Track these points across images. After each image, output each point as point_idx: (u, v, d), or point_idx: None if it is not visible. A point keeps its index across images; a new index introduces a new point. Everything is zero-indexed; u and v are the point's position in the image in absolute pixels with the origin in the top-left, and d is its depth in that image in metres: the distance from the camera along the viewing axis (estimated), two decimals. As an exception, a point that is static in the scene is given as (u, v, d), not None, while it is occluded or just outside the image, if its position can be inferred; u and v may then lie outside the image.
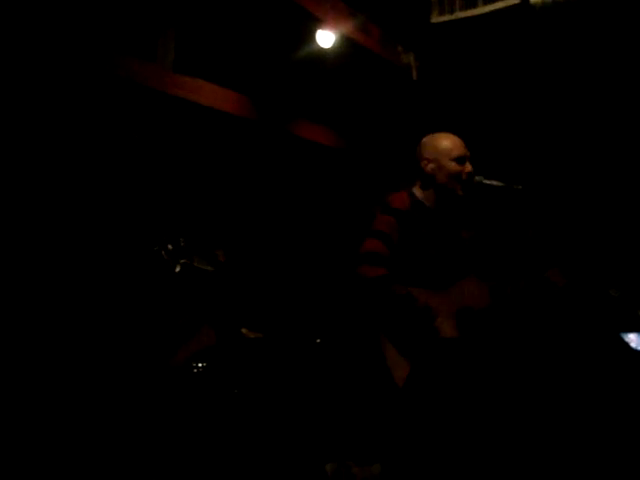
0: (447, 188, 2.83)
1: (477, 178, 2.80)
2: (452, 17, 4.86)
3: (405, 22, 5.04)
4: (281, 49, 4.67)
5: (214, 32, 4.34)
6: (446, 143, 2.83)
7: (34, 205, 3.32)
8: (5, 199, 3.21)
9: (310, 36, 4.43)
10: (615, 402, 3.35)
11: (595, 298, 3.54)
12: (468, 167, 2.82)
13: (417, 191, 2.89)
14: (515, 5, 4.57)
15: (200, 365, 3.33)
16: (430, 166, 2.83)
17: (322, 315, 4.53)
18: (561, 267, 2.79)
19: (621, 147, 4.33)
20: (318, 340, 4.13)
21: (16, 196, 3.25)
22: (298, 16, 4.26)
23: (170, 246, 3.27)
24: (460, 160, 2.81)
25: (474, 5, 4.78)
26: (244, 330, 3.72)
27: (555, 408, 3.48)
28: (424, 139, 2.92)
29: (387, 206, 2.79)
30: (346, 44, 4.59)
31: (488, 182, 2.80)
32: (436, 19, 4.90)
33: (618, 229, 4.18)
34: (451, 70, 5.19)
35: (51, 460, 2.89)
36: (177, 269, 3.29)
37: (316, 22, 4.34)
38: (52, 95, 3.42)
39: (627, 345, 3.20)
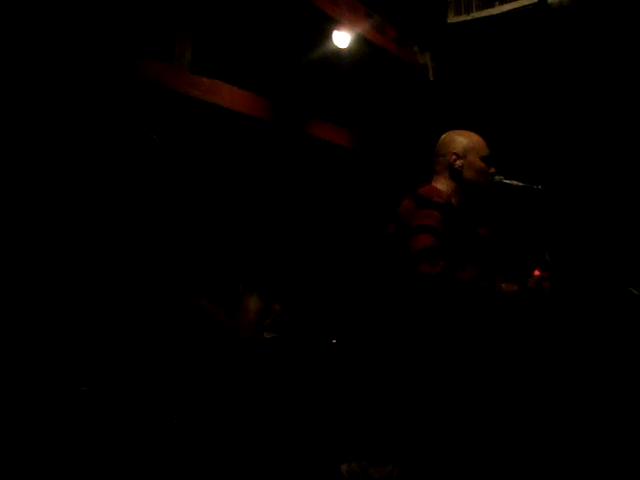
0: (473, 185, 2.77)
1: (497, 178, 2.78)
2: (468, 17, 4.84)
3: (421, 22, 5.03)
4: (297, 50, 4.67)
5: (231, 33, 4.35)
6: (476, 140, 2.80)
7: (47, 202, 3.35)
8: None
9: (326, 37, 4.43)
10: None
11: (616, 296, 3.52)
12: (493, 168, 2.79)
13: (440, 187, 2.78)
14: (532, 5, 4.55)
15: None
16: (459, 162, 2.75)
17: (338, 316, 4.54)
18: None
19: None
20: (334, 341, 4.13)
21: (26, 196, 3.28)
22: (314, 17, 4.25)
23: None
24: (487, 160, 2.78)
25: (491, 5, 4.77)
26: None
27: (579, 408, 3.47)
28: (450, 134, 2.84)
29: (428, 200, 2.62)
30: (362, 44, 4.58)
31: (508, 182, 2.78)
32: (453, 19, 4.88)
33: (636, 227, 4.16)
34: (468, 70, 5.18)
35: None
36: None
37: (332, 23, 4.33)
38: (70, 96, 3.44)
39: None
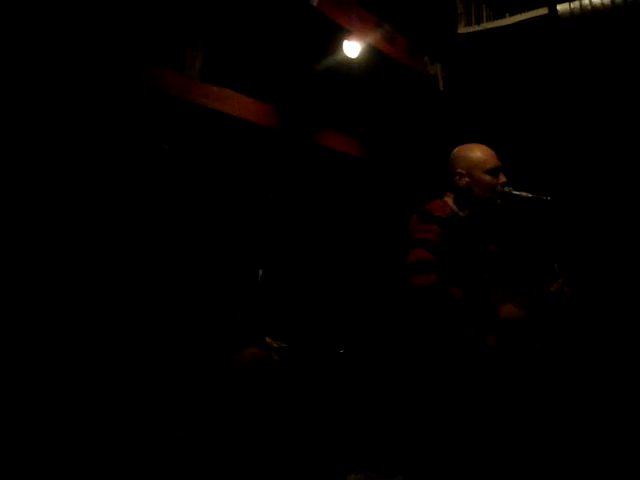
0: (483, 200, 2.77)
1: (506, 189, 2.77)
2: (479, 28, 4.85)
3: (432, 33, 5.04)
4: (308, 59, 4.68)
5: (242, 42, 4.37)
6: (479, 155, 2.78)
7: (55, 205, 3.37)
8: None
9: (337, 46, 4.44)
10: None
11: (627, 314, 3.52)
12: (502, 178, 2.77)
13: (450, 201, 2.82)
14: (543, 16, 4.55)
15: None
16: (464, 180, 2.76)
17: (346, 326, 4.52)
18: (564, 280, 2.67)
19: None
20: (342, 351, 4.12)
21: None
22: (325, 27, 4.26)
23: None
24: (494, 172, 2.76)
25: (501, 16, 4.77)
26: (268, 339, 3.72)
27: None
28: (455, 151, 2.85)
29: (430, 214, 2.68)
30: (373, 54, 4.59)
31: (517, 193, 2.76)
32: (463, 30, 4.88)
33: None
34: (478, 81, 5.18)
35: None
36: None
37: (343, 32, 4.34)
38: (81, 104, 3.46)
39: None
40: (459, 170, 2.77)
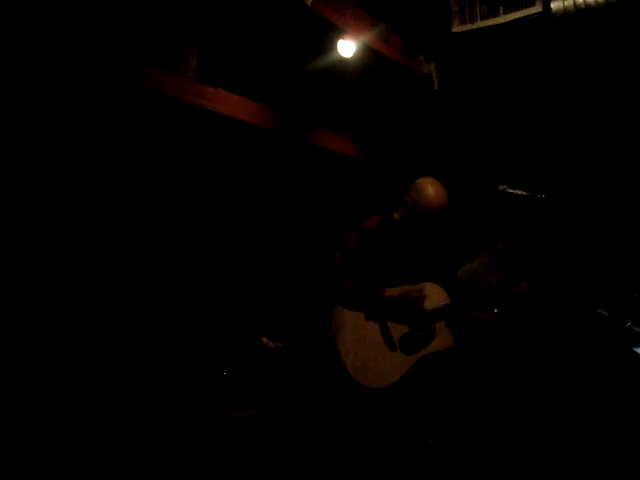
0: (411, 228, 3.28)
1: (501, 187, 2.81)
2: (473, 26, 4.84)
3: (426, 31, 5.04)
4: (302, 58, 4.68)
5: (236, 42, 4.36)
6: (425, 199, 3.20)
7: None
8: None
9: (331, 46, 4.43)
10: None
11: (585, 318, 3.59)
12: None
13: (396, 214, 3.35)
14: (537, 14, 4.55)
15: (224, 373, 3.34)
16: (407, 206, 3.25)
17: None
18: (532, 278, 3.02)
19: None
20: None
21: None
22: (319, 26, 4.26)
23: None
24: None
25: (495, 14, 4.76)
26: (265, 339, 3.72)
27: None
28: (418, 181, 3.27)
29: (358, 225, 3.38)
30: (367, 54, 4.59)
31: (512, 191, 2.79)
32: (457, 28, 4.88)
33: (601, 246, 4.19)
34: (472, 79, 5.18)
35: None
36: None
37: (337, 32, 4.33)
38: (74, 104, 3.45)
39: None
40: (406, 198, 3.28)
